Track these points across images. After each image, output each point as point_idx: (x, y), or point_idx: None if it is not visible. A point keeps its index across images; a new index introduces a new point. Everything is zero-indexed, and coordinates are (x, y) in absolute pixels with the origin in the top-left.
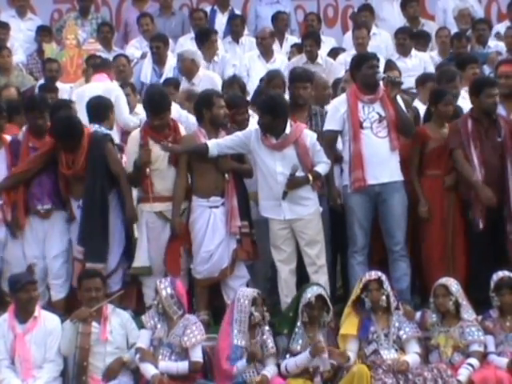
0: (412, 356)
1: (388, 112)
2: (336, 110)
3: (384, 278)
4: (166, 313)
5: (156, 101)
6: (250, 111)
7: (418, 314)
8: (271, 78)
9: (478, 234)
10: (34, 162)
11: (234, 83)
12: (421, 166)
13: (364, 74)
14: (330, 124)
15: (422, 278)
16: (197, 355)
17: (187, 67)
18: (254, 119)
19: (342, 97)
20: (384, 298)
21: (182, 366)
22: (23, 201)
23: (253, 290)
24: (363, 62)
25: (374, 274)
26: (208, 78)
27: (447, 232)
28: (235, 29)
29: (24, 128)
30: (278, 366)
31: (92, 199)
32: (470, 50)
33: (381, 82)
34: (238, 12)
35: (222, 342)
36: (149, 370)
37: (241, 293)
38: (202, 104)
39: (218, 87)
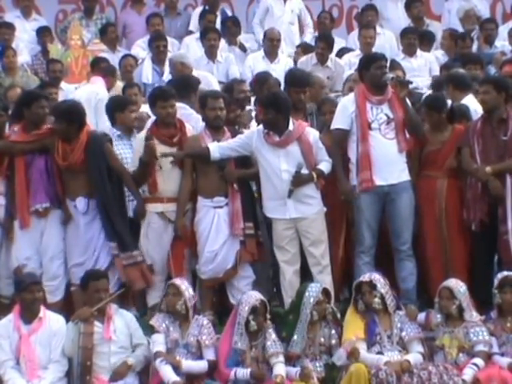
0: (414, 355)
1: (396, 114)
2: (344, 109)
3: (377, 279)
4: (187, 313)
5: (161, 89)
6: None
7: (423, 315)
8: (263, 81)
9: (478, 235)
10: (32, 136)
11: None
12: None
13: (372, 75)
14: (339, 123)
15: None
16: (212, 354)
17: (178, 71)
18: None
19: (351, 96)
20: (377, 300)
21: (203, 365)
22: (26, 200)
23: (256, 298)
24: (372, 63)
25: (367, 277)
26: (202, 78)
27: (442, 231)
28: (229, 31)
29: (16, 128)
30: None
31: (106, 194)
32: (477, 50)
33: (389, 83)
34: (228, 12)
35: (223, 343)
36: (169, 375)
37: (245, 297)
38: (199, 105)
39: (214, 86)
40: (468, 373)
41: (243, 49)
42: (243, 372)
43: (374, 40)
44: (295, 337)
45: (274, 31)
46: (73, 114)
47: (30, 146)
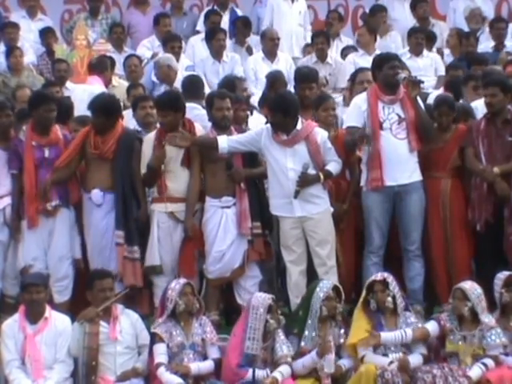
0: (415, 356)
1: (407, 114)
2: (357, 107)
3: (390, 279)
4: (198, 312)
5: (164, 98)
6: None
7: (436, 325)
8: (273, 80)
9: (482, 235)
10: (73, 151)
11: (241, 81)
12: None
13: (385, 74)
14: (352, 120)
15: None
16: (216, 352)
17: (164, 73)
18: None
19: (363, 95)
20: (390, 299)
21: (210, 366)
22: (35, 199)
23: (268, 297)
24: (385, 62)
25: (380, 275)
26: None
27: (446, 232)
28: (238, 31)
29: (24, 127)
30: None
31: (128, 187)
32: (493, 49)
33: (401, 83)
34: (238, 11)
35: (233, 347)
36: (172, 380)
37: (256, 300)
38: (206, 105)
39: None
40: (474, 369)
41: (250, 52)
42: (263, 373)
43: (364, 38)
44: (306, 332)
45: (272, 30)
46: (111, 107)
47: (76, 153)
